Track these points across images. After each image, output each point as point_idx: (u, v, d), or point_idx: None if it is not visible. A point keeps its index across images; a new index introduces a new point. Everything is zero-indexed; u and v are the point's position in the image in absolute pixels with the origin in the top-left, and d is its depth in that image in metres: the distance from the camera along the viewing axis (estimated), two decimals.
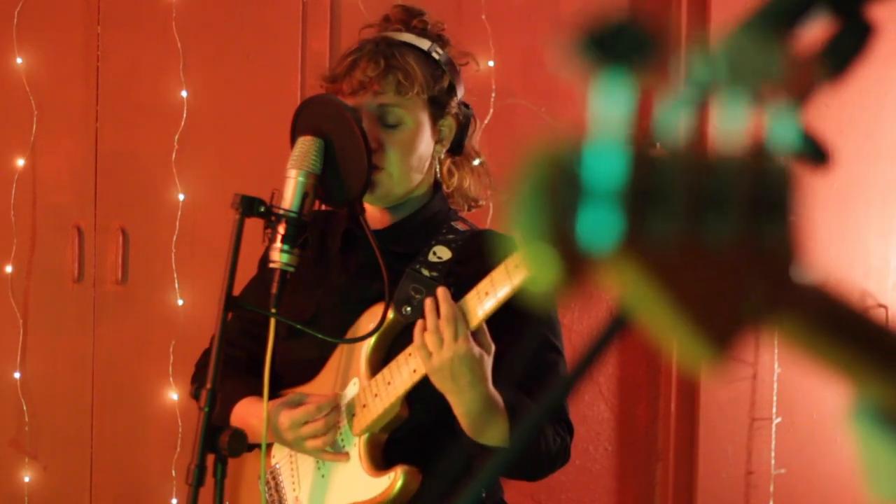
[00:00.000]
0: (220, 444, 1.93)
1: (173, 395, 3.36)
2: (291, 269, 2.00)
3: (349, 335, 2.09)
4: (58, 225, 3.41)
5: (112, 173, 3.40)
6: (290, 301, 2.04)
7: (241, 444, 1.96)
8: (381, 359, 2.07)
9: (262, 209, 2.01)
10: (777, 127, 0.64)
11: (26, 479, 3.41)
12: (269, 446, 2.18)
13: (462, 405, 1.92)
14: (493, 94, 3.33)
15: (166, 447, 3.38)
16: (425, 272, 2.06)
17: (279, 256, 2.00)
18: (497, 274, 1.88)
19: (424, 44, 2.12)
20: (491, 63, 3.32)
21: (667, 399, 3.50)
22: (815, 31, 0.69)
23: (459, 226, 2.14)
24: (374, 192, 2.08)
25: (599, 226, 0.61)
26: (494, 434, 1.93)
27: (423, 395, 1.99)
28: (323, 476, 2.12)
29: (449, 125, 2.13)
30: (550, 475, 2.06)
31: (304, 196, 2.01)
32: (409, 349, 1.98)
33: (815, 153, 0.68)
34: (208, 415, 1.93)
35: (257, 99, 3.36)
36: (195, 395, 2.05)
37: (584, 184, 0.61)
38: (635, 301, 0.63)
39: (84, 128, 3.40)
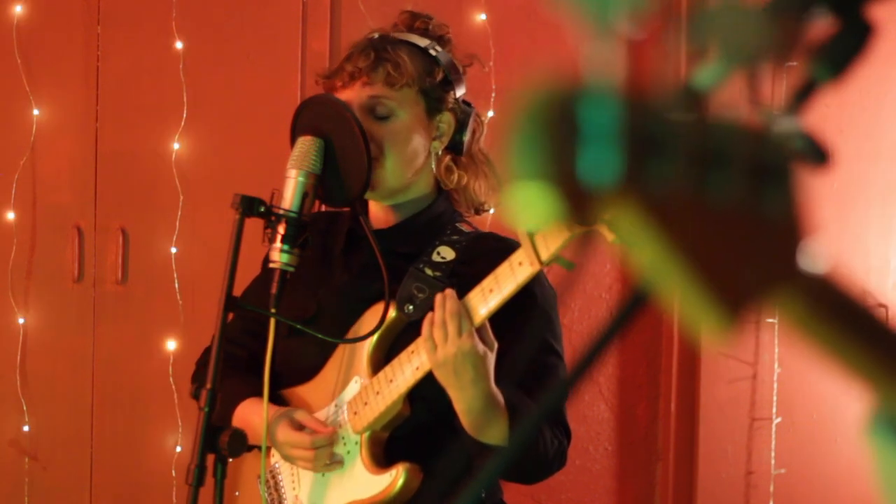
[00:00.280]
0: (220, 444, 1.93)
1: (173, 395, 3.36)
2: (291, 269, 2.00)
3: (351, 334, 2.09)
4: (58, 225, 3.41)
5: (112, 173, 3.40)
6: (291, 300, 2.04)
7: (241, 444, 1.96)
8: (383, 357, 2.07)
9: (262, 209, 2.01)
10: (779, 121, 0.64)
11: (26, 479, 3.41)
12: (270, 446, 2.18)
13: (464, 402, 1.92)
14: (493, 94, 3.33)
15: (166, 447, 3.38)
16: (429, 272, 2.06)
17: (279, 256, 2.00)
18: (501, 272, 1.88)
19: (422, 41, 2.12)
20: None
21: (667, 399, 3.50)
22: (815, 30, 0.69)
23: (464, 227, 2.14)
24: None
25: (599, 162, 0.61)
26: (495, 433, 1.93)
27: (424, 394, 1.99)
28: (323, 474, 2.12)
29: (447, 121, 2.13)
30: (548, 478, 2.06)
31: (304, 196, 2.01)
32: (412, 346, 1.99)
33: (815, 153, 0.68)
34: (208, 415, 1.93)
35: (257, 99, 3.36)
36: (195, 395, 2.05)
37: (582, 122, 0.61)
38: (640, 248, 0.62)
39: (84, 128, 3.40)
